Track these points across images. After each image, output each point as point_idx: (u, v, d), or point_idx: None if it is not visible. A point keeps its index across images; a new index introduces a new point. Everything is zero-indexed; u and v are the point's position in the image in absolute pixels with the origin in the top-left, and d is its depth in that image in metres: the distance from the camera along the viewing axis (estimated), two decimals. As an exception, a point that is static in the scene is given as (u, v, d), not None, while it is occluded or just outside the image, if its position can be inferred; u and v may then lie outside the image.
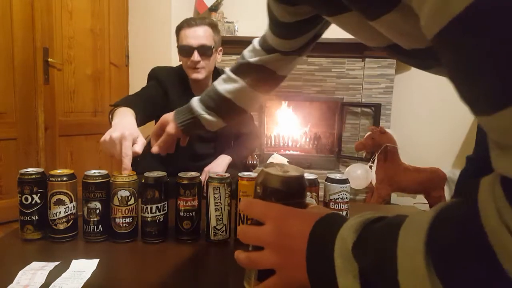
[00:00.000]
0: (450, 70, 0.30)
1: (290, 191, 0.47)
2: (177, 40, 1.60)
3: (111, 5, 2.96)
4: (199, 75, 1.56)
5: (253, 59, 0.84)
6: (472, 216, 0.29)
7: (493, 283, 0.28)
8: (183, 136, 0.95)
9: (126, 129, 0.88)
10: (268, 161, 0.90)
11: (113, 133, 0.87)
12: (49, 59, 2.61)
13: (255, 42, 0.85)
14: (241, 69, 0.87)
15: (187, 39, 1.53)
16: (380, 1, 0.40)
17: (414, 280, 0.32)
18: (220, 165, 1.63)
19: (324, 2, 0.51)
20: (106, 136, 0.88)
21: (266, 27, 0.79)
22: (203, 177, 1.51)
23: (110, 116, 1.21)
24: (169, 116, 0.94)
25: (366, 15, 0.44)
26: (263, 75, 0.85)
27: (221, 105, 0.89)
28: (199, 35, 1.53)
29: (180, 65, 1.64)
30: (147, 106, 1.42)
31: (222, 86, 0.88)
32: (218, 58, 1.66)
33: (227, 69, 0.90)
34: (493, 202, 0.28)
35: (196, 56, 1.52)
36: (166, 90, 1.58)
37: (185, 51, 1.54)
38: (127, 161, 0.83)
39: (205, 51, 1.54)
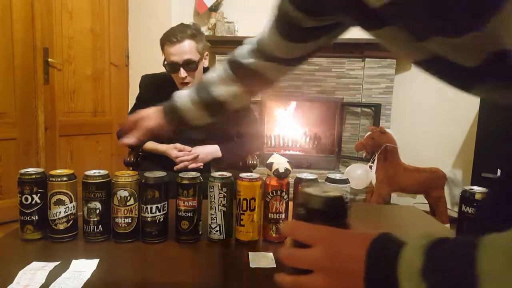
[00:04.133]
0: None
1: (335, 212, 0.46)
2: (163, 54, 1.60)
3: (111, 5, 2.96)
4: (189, 86, 1.59)
5: (249, 62, 0.80)
6: None
7: None
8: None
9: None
10: (268, 161, 0.90)
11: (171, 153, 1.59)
12: (49, 59, 2.60)
13: (250, 44, 0.82)
14: (238, 72, 0.83)
15: (171, 57, 1.54)
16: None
17: None
18: (204, 148, 1.64)
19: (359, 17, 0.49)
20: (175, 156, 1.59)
21: (266, 30, 0.74)
22: (187, 157, 1.59)
23: (143, 148, 1.68)
24: (150, 112, 0.91)
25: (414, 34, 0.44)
26: (260, 81, 0.83)
27: (213, 106, 0.86)
28: (183, 51, 1.53)
29: None
30: None
31: (217, 88, 0.85)
32: (206, 62, 1.66)
33: (220, 68, 0.86)
34: None
35: (182, 72, 1.55)
36: (147, 103, 1.65)
37: (171, 68, 1.57)
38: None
39: (191, 66, 1.55)
